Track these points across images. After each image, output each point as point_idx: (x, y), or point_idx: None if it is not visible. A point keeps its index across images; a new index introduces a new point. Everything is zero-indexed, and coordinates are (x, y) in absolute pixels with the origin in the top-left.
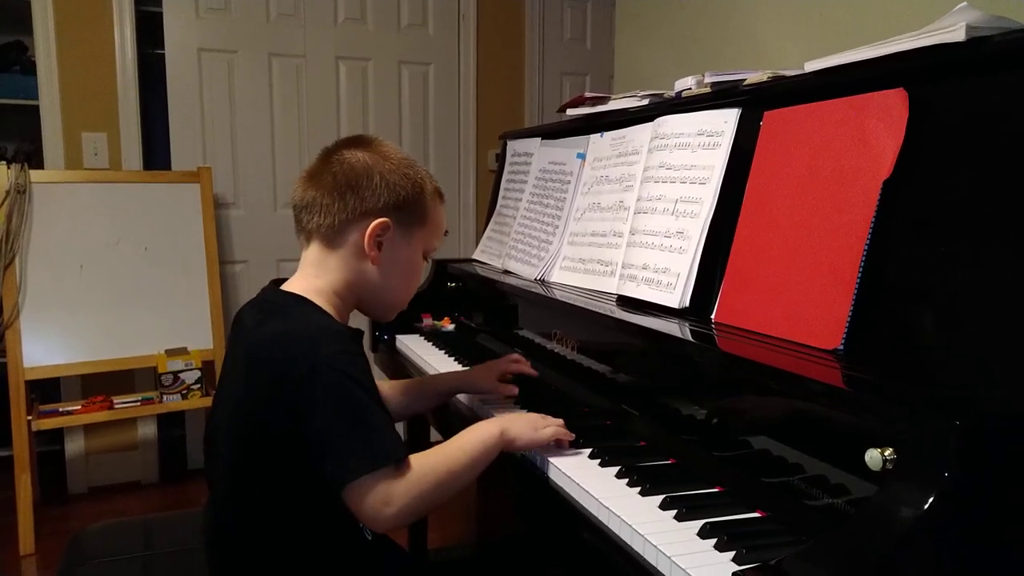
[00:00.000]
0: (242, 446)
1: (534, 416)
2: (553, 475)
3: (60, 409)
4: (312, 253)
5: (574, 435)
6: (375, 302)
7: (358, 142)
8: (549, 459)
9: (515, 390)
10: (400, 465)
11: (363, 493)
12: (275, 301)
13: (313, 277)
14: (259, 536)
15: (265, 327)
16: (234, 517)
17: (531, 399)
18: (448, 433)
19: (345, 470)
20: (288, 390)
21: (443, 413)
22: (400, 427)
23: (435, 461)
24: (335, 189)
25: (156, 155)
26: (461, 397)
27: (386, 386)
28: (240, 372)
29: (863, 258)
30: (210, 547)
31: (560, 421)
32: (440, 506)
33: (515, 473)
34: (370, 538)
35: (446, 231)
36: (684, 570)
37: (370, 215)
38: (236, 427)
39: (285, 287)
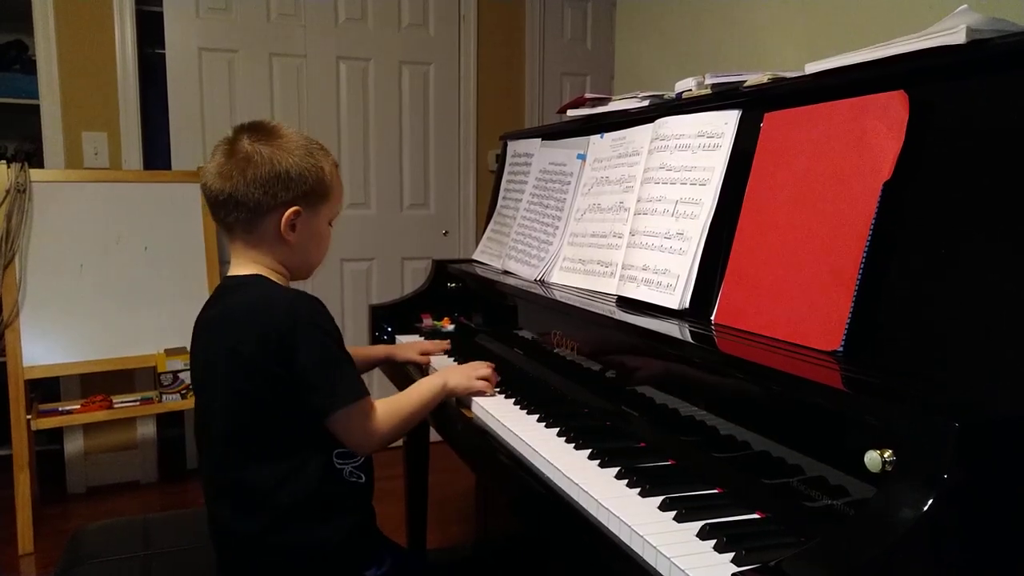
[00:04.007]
0: (238, 396)
1: (468, 367)
2: (552, 475)
3: (59, 408)
4: (240, 242)
5: (498, 377)
6: (299, 269)
7: (259, 134)
8: (549, 459)
9: (428, 360)
10: (367, 400)
11: (348, 421)
12: (237, 283)
13: (253, 262)
14: (255, 473)
15: (236, 297)
16: (234, 460)
17: (532, 398)
18: (447, 435)
19: (331, 402)
20: (273, 342)
21: (443, 415)
22: None
23: (403, 402)
24: (247, 186)
25: (156, 155)
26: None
27: None
28: (220, 343)
29: (863, 260)
30: (215, 538)
31: (489, 365)
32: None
33: (514, 473)
34: (361, 478)
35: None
36: (683, 571)
37: (282, 206)
38: (231, 381)
39: (235, 273)
